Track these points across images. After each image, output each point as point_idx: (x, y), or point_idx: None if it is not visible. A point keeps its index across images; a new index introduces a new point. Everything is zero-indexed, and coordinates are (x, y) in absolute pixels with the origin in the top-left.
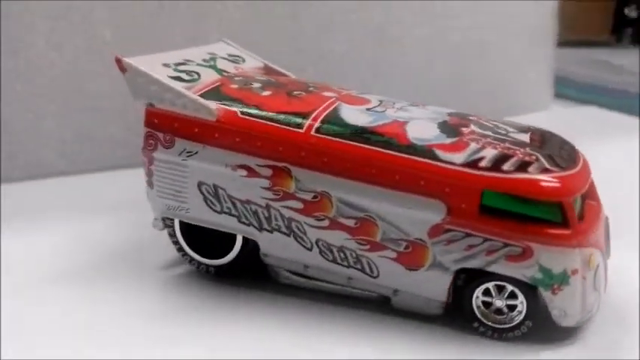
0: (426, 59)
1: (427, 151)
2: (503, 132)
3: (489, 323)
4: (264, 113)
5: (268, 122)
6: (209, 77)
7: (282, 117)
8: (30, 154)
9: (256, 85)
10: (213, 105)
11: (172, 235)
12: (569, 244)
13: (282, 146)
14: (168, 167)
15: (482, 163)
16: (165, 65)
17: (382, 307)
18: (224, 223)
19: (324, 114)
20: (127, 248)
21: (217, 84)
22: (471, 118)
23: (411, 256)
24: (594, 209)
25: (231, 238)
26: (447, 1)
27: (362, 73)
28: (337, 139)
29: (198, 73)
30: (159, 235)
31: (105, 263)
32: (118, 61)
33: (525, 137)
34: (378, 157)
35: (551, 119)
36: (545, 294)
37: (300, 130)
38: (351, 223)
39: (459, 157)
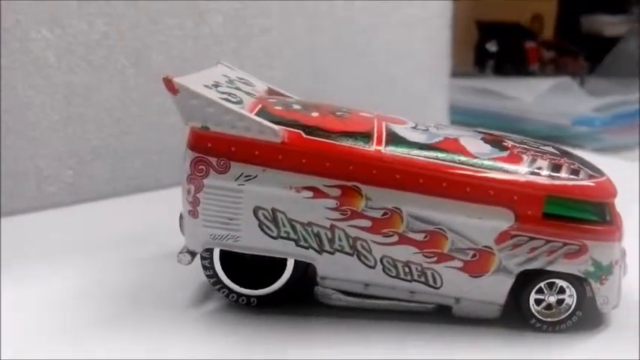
0: (349, 88)
1: (493, 163)
2: (535, 145)
3: (545, 319)
4: (329, 133)
5: (336, 142)
6: (247, 100)
7: (348, 137)
8: None
9: (297, 106)
10: (276, 126)
11: (208, 267)
12: (614, 239)
13: (352, 165)
14: (220, 194)
15: (543, 172)
16: (207, 87)
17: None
18: (279, 248)
19: (384, 133)
20: (136, 289)
21: (260, 106)
22: (496, 134)
23: (478, 263)
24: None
25: (280, 265)
26: (367, 41)
27: None
28: (408, 156)
29: (237, 95)
30: (161, 271)
31: (125, 306)
32: (168, 82)
33: (553, 149)
34: (450, 171)
35: None
36: (595, 285)
37: (370, 149)
38: (420, 237)
39: (522, 168)
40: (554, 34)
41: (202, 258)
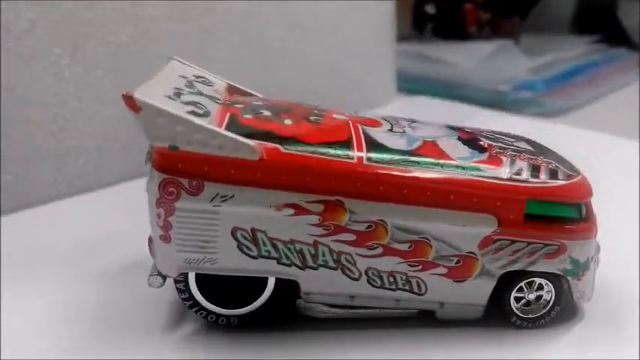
0: (295, 66)
1: (475, 169)
2: (510, 142)
3: (526, 315)
4: (308, 146)
5: (316, 156)
6: (213, 108)
7: (328, 148)
8: None
9: (266, 112)
10: (252, 142)
11: (183, 290)
12: (590, 237)
13: (334, 179)
14: (194, 216)
15: (523, 176)
16: (170, 98)
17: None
18: (260, 267)
19: (362, 140)
20: (100, 310)
21: (228, 114)
22: (469, 130)
23: (461, 269)
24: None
25: (261, 281)
26: (314, 11)
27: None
28: (391, 166)
29: (203, 105)
30: (125, 287)
31: (89, 331)
32: (129, 99)
33: (528, 146)
34: (434, 180)
35: (399, 111)
36: (572, 281)
37: (352, 161)
38: (405, 247)
39: (503, 172)
40: None
41: (176, 282)
